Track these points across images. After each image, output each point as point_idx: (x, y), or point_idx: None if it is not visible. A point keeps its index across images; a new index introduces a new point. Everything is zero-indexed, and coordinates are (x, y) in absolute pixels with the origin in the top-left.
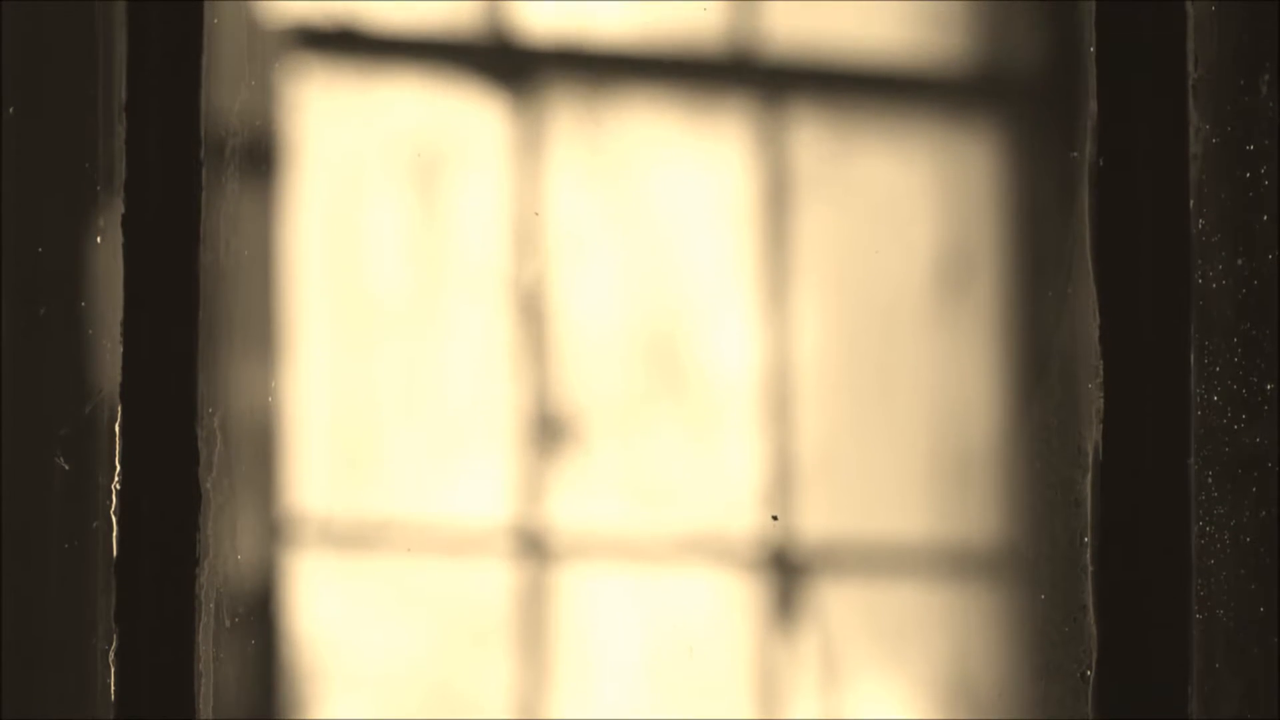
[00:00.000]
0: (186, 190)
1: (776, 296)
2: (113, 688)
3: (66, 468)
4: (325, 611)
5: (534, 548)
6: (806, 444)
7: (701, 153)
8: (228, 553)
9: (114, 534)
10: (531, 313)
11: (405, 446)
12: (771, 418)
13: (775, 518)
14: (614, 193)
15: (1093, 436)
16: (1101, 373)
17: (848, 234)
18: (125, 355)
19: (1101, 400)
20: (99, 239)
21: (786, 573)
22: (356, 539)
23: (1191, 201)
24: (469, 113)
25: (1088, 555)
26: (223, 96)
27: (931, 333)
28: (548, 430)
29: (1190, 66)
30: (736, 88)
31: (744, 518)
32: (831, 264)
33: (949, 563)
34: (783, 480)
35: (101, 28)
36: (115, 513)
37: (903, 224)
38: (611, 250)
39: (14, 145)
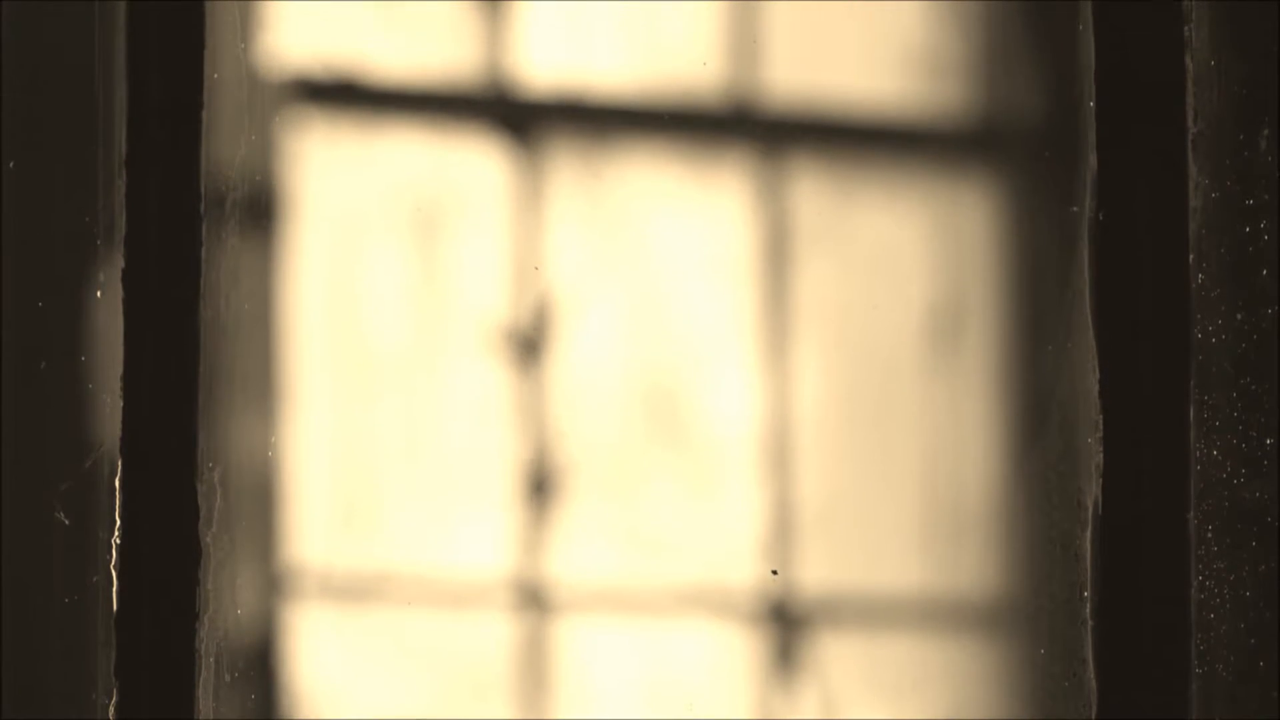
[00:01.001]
0: (187, 245)
1: (775, 349)
2: None
3: (66, 522)
4: (325, 664)
5: (533, 600)
6: (805, 496)
7: (701, 205)
8: (228, 607)
9: (114, 588)
10: (531, 365)
11: (405, 499)
12: (770, 470)
13: (775, 572)
14: (614, 245)
15: (1092, 490)
16: (1101, 427)
17: (847, 287)
18: (125, 410)
19: (1101, 454)
20: (99, 293)
21: (786, 625)
22: (356, 592)
23: (1191, 256)
24: (469, 165)
25: (1087, 609)
26: (223, 151)
27: (931, 386)
28: (547, 482)
29: (1190, 121)
30: (736, 140)
31: (743, 570)
32: (831, 317)
33: (949, 616)
34: (782, 533)
35: (101, 83)
36: (115, 567)
37: (902, 277)
38: (611, 302)
39: (14, 199)
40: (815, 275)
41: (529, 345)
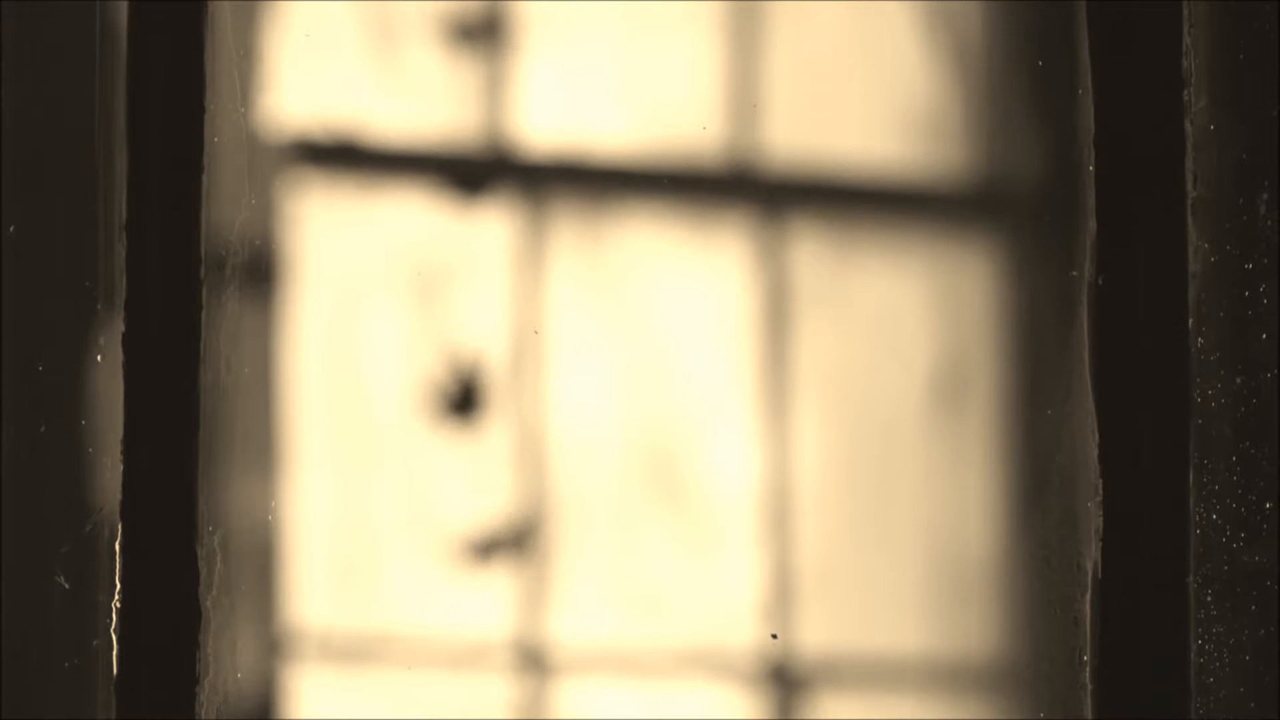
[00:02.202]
0: (187, 309)
1: (775, 410)
2: None
3: (67, 586)
4: None
5: (533, 662)
6: (805, 558)
7: (701, 267)
8: (228, 671)
9: (114, 652)
10: (530, 426)
11: (404, 561)
12: (770, 531)
13: (775, 636)
14: (614, 307)
15: (1092, 554)
16: (1100, 491)
17: (847, 348)
18: (126, 474)
19: (1100, 518)
20: (99, 357)
21: (786, 687)
22: (356, 653)
23: (1190, 320)
24: (470, 227)
25: (1087, 673)
26: (223, 214)
27: (930, 448)
28: (547, 544)
29: (1189, 185)
30: (736, 202)
31: (743, 632)
32: (831, 378)
33: (948, 679)
34: (782, 594)
35: (101, 146)
36: (116, 631)
37: (902, 339)
38: (611, 364)
39: (15, 263)
40: (815, 337)
41: (528, 406)
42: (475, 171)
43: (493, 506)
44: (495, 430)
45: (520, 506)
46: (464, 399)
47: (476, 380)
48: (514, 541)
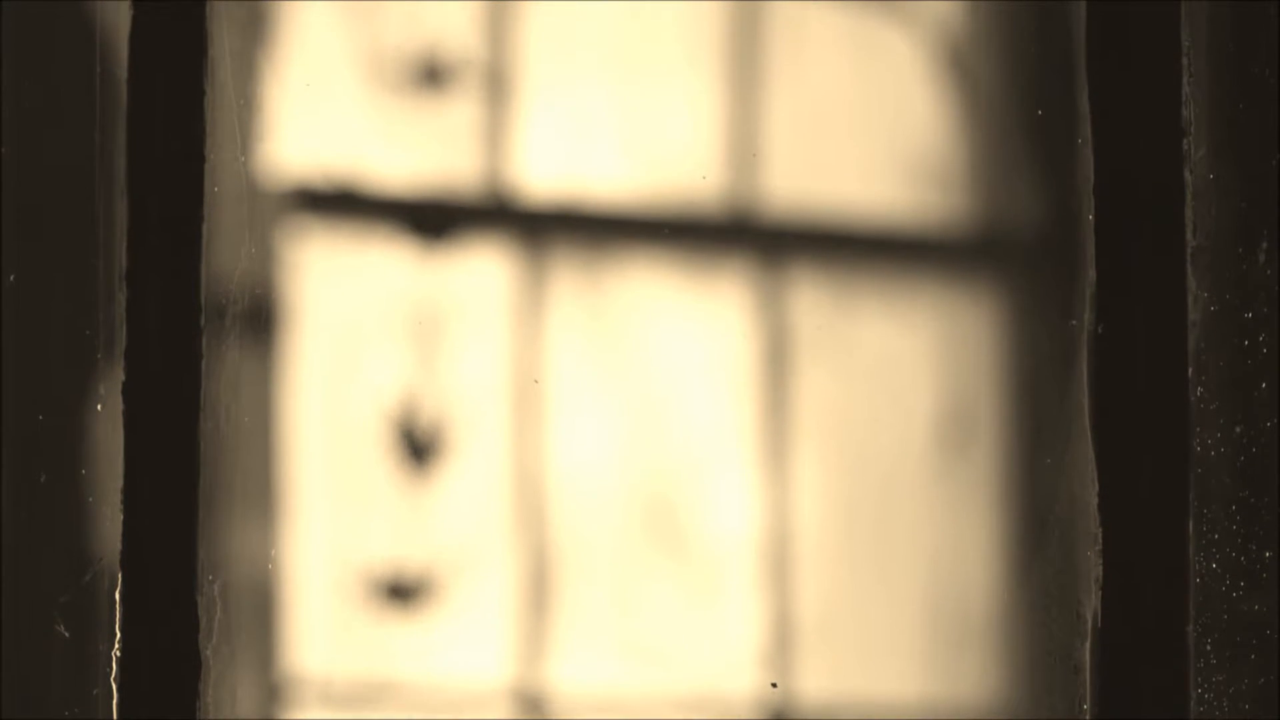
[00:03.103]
0: (187, 358)
1: (775, 458)
2: None
3: (67, 635)
4: None
5: (533, 709)
6: (805, 606)
7: (701, 314)
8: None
9: (114, 701)
10: (529, 474)
11: (403, 607)
12: (770, 579)
13: (775, 685)
14: (614, 353)
15: (1092, 603)
16: (1100, 539)
17: (847, 396)
18: (125, 523)
19: (1100, 567)
20: (99, 406)
21: None
22: (356, 701)
23: (1190, 369)
24: (469, 274)
25: None
26: (223, 263)
27: (930, 496)
28: (547, 592)
29: (1189, 235)
30: (736, 249)
31: (743, 679)
32: (831, 426)
33: None
34: (782, 642)
35: (101, 196)
36: (116, 680)
37: (902, 387)
38: (611, 411)
39: (15, 312)
40: (815, 384)
41: (527, 453)
42: (476, 218)
43: (491, 554)
44: (494, 476)
45: (519, 554)
46: (463, 447)
47: (476, 428)
48: (514, 587)
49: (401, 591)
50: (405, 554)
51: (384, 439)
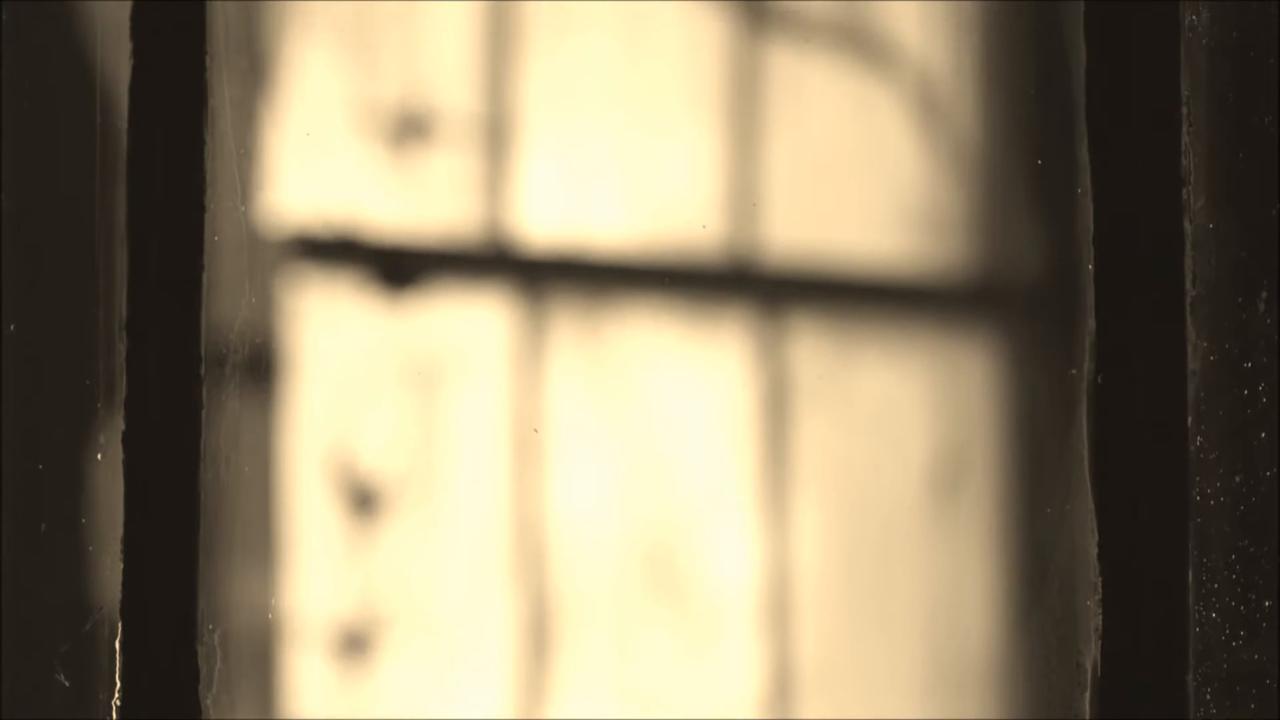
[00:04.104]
0: (187, 408)
1: (775, 505)
2: None
3: (67, 684)
4: None
5: None
6: (805, 653)
7: (701, 362)
8: None
9: None
10: (529, 521)
11: (404, 655)
12: (770, 627)
13: None
14: (613, 402)
15: (1091, 653)
16: (1100, 589)
17: (847, 443)
18: (126, 572)
19: (1100, 616)
20: (100, 456)
21: None
22: None
23: (1190, 418)
24: (469, 321)
25: None
26: (223, 312)
27: (929, 545)
28: (546, 639)
29: (1188, 284)
30: (736, 297)
31: None
32: (831, 473)
33: None
34: (781, 689)
35: (102, 245)
36: None
37: (902, 435)
38: (610, 459)
39: (15, 362)
40: (815, 432)
41: (527, 500)
42: (476, 266)
43: (491, 601)
44: (494, 523)
45: (519, 601)
46: (462, 494)
47: (475, 475)
48: (513, 635)
49: (403, 638)
50: (404, 603)
51: (384, 487)
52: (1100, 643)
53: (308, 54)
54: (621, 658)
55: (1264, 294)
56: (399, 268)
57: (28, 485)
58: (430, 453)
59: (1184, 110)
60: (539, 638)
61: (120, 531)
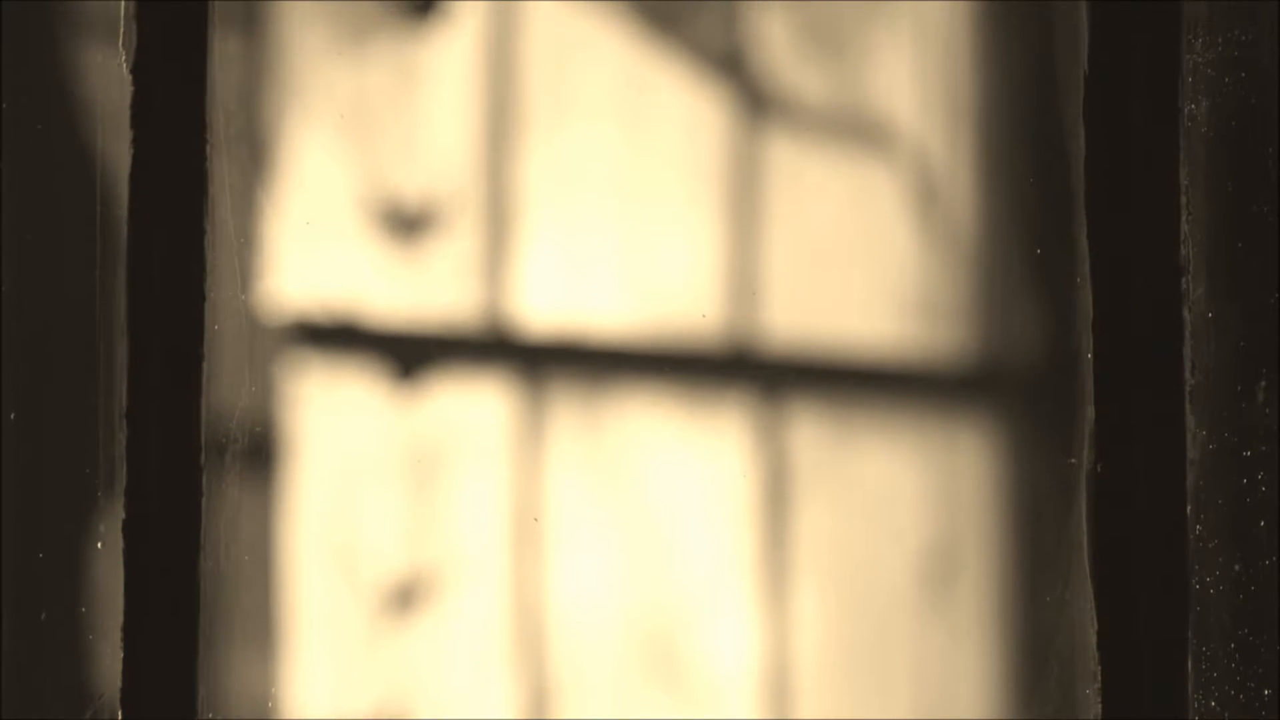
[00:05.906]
0: (187, 497)
1: (774, 591)
2: None
3: None
4: None
5: None
6: None
7: (700, 448)
8: None
9: None
10: (529, 608)
11: None
12: (769, 713)
13: None
14: (613, 488)
15: None
16: (1099, 678)
17: (846, 529)
18: (126, 660)
19: (1099, 705)
20: (100, 544)
21: None
22: None
23: (1189, 507)
24: (469, 408)
25: None
26: (223, 401)
27: (928, 632)
28: None
29: (1187, 373)
30: (735, 383)
31: None
32: (830, 559)
33: None
34: None
35: (102, 334)
36: None
37: (900, 522)
38: (610, 546)
39: (15, 450)
40: (814, 518)
41: (527, 588)
42: (475, 352)
43: (491, 688)
44: (493, 611)
45: (519, 689)
46: (462, 582)
47: (475, 563)
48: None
49: None
50: (405, 692)
51: (384, 576)
52: None
53: (308, 141)
54: None
55: (1263, 383)
56: (399, 355)
57: (28, 573)
58: (431, 541)
59: (1183, 199)
60: None
61: (120, 620)
